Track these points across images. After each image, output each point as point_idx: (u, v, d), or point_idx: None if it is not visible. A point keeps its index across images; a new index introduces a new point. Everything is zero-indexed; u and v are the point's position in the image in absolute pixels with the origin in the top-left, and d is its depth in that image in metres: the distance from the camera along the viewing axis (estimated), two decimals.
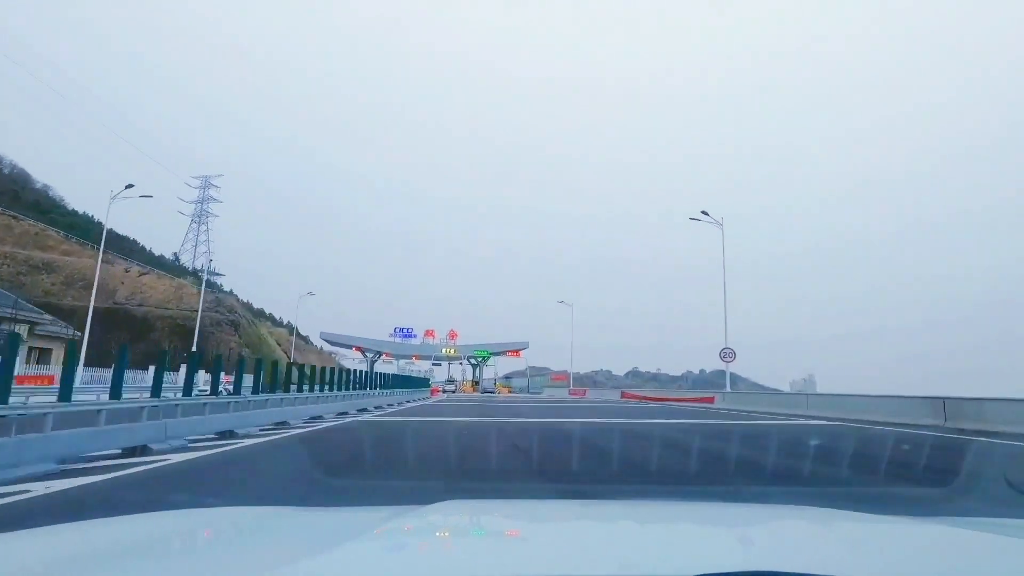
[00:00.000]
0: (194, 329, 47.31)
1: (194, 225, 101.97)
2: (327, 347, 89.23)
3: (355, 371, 24.70)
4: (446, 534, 1.43)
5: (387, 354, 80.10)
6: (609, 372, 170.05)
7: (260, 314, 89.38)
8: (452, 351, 76.30)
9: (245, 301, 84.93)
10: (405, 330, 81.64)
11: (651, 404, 31.86)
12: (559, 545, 1.27)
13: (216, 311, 50.38)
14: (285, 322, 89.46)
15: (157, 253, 77.12)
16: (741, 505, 2.36)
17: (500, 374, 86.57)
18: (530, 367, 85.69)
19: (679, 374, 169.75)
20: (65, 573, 0.98)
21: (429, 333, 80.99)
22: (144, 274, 52.49)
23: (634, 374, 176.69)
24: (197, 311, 50.07)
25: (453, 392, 68.01)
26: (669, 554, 1.14)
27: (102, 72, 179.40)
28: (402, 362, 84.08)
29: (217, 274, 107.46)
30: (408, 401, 29.89)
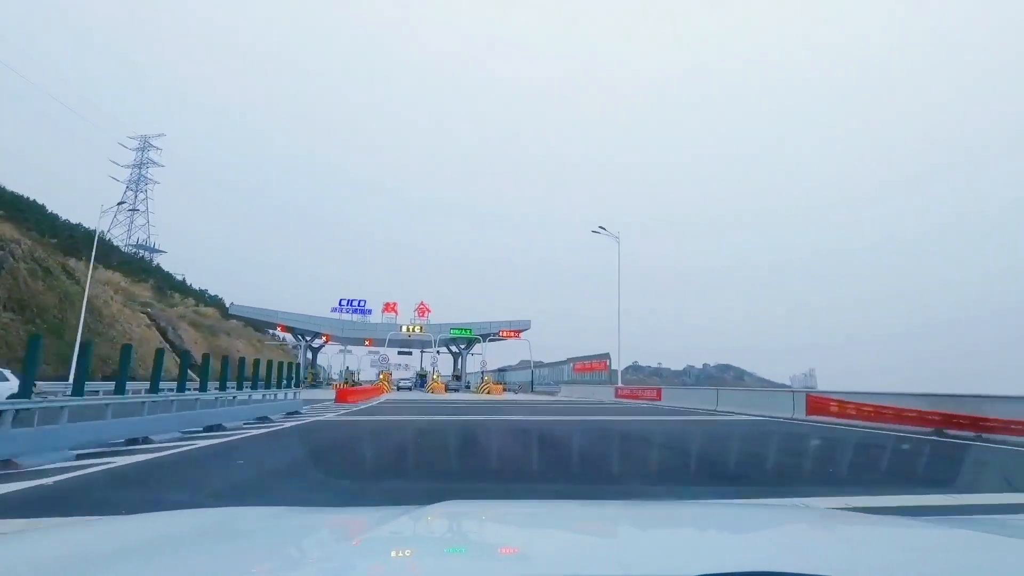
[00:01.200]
0: None
1: (130, 192, 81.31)
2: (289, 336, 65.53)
3: None
4: (446, 534, 1.41)
5: (327, 336, 54.80)
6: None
7: (189, 290, 64.02)
8: (418, 329, 51.53)
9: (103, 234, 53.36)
10: (356, 303, 54.68)
11: None
12: (559, 545, 1.27)
13: None
14: (227, 303, 63.37)
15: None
16: (741, 505, 2.38)
17: (489, 366, 61.94)
18: (529, 360, 61.60)
19: (680, 368, 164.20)
20: (65, 573, 0.97)
21: (390, 308, 53.55)
22: None
23: (634, 368, 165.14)
24: None
25: (409, 390, 46.70)
26: (669, 554, 1.13)
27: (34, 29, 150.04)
28: (358, 350, 59.75)
29: (156, 250, 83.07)
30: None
